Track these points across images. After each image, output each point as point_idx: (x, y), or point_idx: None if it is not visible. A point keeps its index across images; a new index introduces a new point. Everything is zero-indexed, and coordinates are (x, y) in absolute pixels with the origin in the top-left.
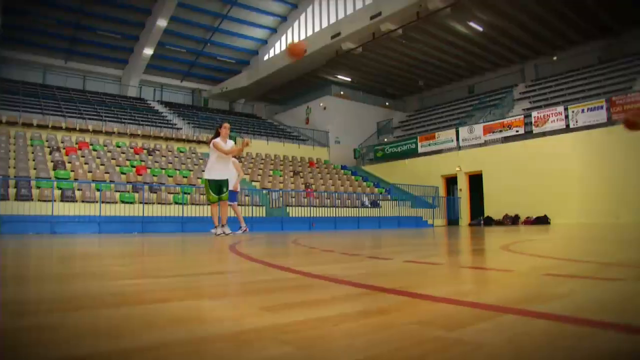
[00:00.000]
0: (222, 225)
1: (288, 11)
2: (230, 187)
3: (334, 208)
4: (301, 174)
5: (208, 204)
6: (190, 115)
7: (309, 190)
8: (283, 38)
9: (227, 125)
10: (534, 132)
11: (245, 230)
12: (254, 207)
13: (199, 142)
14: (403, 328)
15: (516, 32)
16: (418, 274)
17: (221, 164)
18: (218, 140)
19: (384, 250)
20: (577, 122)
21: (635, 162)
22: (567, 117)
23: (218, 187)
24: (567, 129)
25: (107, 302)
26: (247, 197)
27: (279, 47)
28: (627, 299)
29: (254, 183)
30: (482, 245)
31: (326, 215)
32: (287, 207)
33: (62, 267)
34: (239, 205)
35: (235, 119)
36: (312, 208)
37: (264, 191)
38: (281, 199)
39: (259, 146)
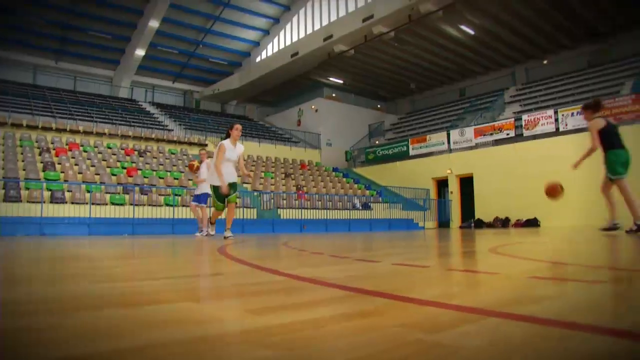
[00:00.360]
0: (227, 229)
1: (280, 13)
2: (205, 190)
3: (325, 210)
4: (293, 176)
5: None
6: (181, 116)
7: (300, 192)
8: (275, 40)
9: (238, 126)
10: (524, 135)
11: (206, 234)
12: (245, 209)
13: (190, 143)
14: (386, 331)
15: (507, 35)
16: (405, 276)
17: (225, 167)
18: (225, 142)
19: (373, 252)
20: (566, 125)
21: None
22: (557, 120)
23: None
24: (557, 132)
25: (93, 304)
26: (238, 199)
27: (271, 49)
28: (611, 302)
29: (245, 185)
30: (470, 247)
31: (317, 218)
32: (279, 209)
33: (55, 269)
34: (207, 207)
35: (226, 120)
36: (303, 210)
37: (255, 193)
38: (272, 200)
39: (251, 148)
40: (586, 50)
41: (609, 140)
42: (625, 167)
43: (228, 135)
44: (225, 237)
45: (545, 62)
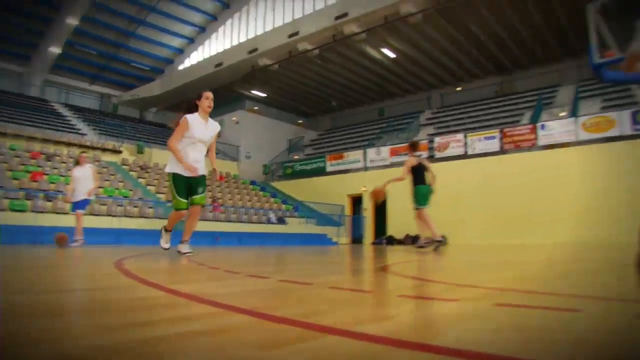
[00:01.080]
0: (184, 241)
1: (207, 22)
2: (84, 196)
3: (240, 223)
4: (209, 187)
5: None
6: (96, 121)
7: (215, 204)
8: (200, 49)
9: (209, 94)
10: (436, 156)
11: (81, 243)
12: (156, 220)
13: (104, 149)
14: (227, 348)
15: (426, 62)
16: (282, 293)
17: (193, 152)
18: (190, 116)
19: (269, 268)
20: (474, 149)
21: (521, 188)
22: (465, 144)
23: (188, 186)
24: (466, 156)
25: None
26: (151, 209)
27: (195, 57)
28: (449, 319)
29: (158, 195)
30: (367, 265)
31: (232, 231)
32: None
33: None
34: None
35: (145, 128)
36: (217, 222)
37: (168, 204)
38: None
39: (167, 157)
40: (495, 81)
41: (418, 177)
42: (425, 199)
43: (193, 107)
44: (181, 252)
45: (459, 89)
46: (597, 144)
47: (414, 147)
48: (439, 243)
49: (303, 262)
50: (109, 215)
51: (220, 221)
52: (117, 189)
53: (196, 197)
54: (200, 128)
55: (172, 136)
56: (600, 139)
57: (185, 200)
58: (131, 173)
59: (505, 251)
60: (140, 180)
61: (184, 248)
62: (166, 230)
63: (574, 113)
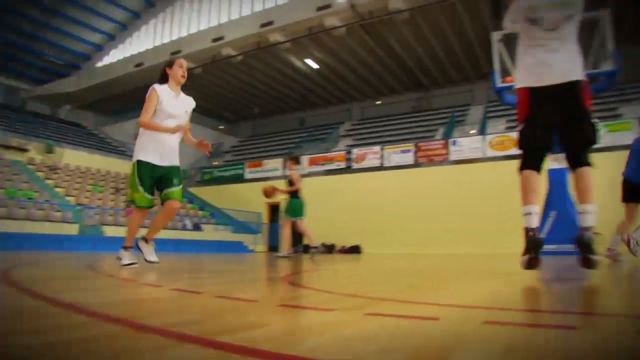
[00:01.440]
0: (149, 240)
1: (129, 20)
2: None
3: None
4: (123, 191)
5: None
6: (0, 116)
7: (129, 208)
8: (121, 46)
9: (182, 62)
10: (353, 167)
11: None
12: (64, 224)
13: (7, 147)
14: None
15: (347, 74)
16: (169, 302)
17: (170, 136)
18: (159, 86)
19: (168, 276)
20: (390, 161)
21: (434, 200)
22: (382, 156)
23: (156, 179)
24: (382, 167)
25: None
26: (58, 213)
27: (115, 55)
28: (313, 329)
29: (67, 198)
30: (268, 273)
31: None
32: (104, 226)
33: None
34: None
35: (56, 126)
36: None
37: (78, 207)
38: (97, 216)
39: (79, 158)
40: (412, 97)
41: (296, 190)
42: (302, 211)
43: (164, 79)
44: (149, 261)
45: (378, 102)
46: (501, 161)
47: (297, 160)
48: (315, 250)
49: (206, 271)
50: (9, 218)
51: None
52: (20, 189)
53: (173, 191)
54: (171, 101)
55: (142, 112)
56: (503, 157)
57: (150, 197)
58: (38, 173)
59: (413, 260)
60: (47, 181)
61: (150, 254)
62: (125, 249)
63: (482, 131)
